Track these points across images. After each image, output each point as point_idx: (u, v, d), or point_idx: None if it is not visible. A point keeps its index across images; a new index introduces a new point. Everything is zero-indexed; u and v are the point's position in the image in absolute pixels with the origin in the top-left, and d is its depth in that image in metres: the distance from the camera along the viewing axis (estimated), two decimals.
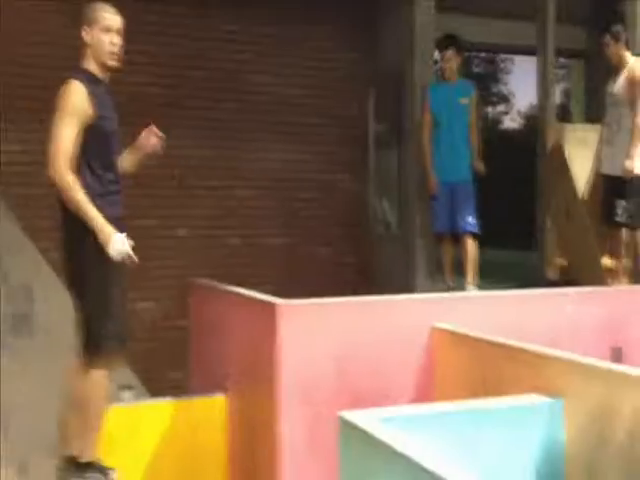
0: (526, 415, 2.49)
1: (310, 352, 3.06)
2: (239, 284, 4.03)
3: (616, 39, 4.82)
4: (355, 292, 5.63)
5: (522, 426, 2.47)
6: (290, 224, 6.81)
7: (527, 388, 2.63)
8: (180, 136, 6.43)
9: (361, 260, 6.99)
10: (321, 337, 3.08)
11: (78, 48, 3.24)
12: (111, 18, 3.17)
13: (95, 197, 3.06)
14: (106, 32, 3.15)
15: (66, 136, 3.00)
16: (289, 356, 3.02)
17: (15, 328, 5.62)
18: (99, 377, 3.07)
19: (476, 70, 25.29)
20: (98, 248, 3.02)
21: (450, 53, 5.45)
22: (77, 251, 3.08)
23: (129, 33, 6.20)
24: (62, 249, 3.21)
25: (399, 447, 1.97)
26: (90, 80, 3.10)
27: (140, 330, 5.58)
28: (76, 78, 3.07)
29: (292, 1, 6.60)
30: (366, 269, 6.96)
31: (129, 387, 5.09)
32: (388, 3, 6.86)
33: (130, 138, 6.31)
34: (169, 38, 6.21)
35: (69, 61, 5.93)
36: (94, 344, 3.07)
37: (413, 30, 6.30)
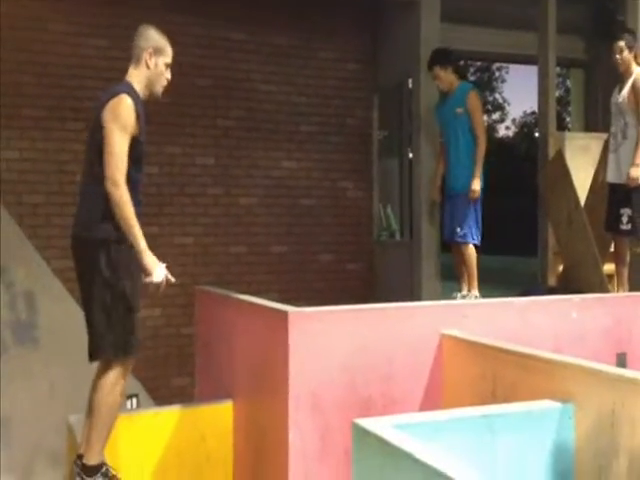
0: (538, 420, 2.52)
1: (320, 359, 3.07)
2: (243, 291, 4.06)
3: (629, 48, 4.86)
4: (358, 299, 5.66)
5: (534, 431, 2.49)
6: (294, 231, 6.85)
7: (537, 394, 2.65)
8: (185, 144, 6.48)
9: (364, 267, 7.03)
10: (331, 344, 3.10)
11: (132, 62, 3.30)
12: (172, 56, 3.34)
13: None
14: (167, 68, 3.31)
15: (122, 151, 3.08)
16: (299, 363, 3.03)
17: (18, 336, 5.62)
18: (112, 384, 3.09)
19: (471, 78, 25.48)
20: (116, 262, 3.11)
21: (436, 69, 5.32)
22: (93, 263, 3.11)
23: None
24: (77, 261, 3.22)
25: (415, 453, 1.98)
26: (137, 99, 3.19)
27: (145, 338, 5.59)
28: (128, 94, 3.14)
29: (298, 11, 6.66)
30: (370, 276, 6.99)
31: (134, 395, 5.09)
32: (393, 13, 6.91)
33: None
34: (175, 46, 6.26)
35: (74, 69, 6.02)
36: (101, 350, 3.11)
37: (418, 39, 6.34)
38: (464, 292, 5.23)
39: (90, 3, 6.05)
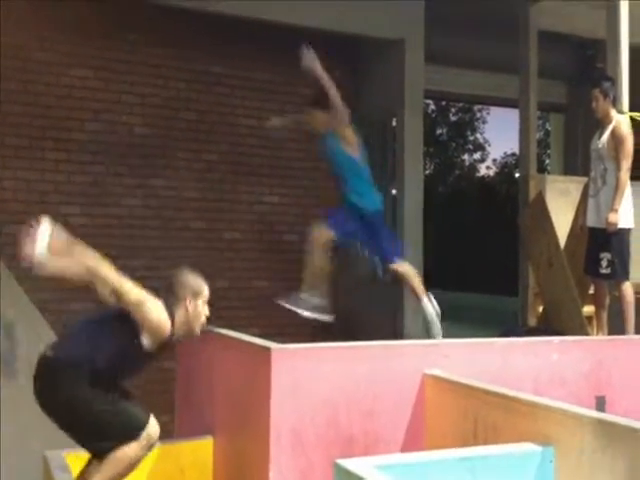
0: (518, 463, 2.53)
1: (302, 396, 3.07)
2: (225, 326, 4.03)
3: (605, 95, 4.96)
4: (340, 336, 5.65)
5: (514, 474, 2.50)
6: (276, 267, 6.85)
7: (518, 436, 2.66)
8: (168, 177, 6.50)
9: (345, 304, 7.03)
10: (314, 382, 3.10)
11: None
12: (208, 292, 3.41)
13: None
14: (205, 304, 3.39)
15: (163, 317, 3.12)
16: (281, 400, 3.03)
17: None
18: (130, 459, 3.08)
19: (453, 118, 25.89)
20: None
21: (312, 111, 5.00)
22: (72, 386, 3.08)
23: (120, 73, 6.33)
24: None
25: None
26: (171, 332, 3.22)
27: None
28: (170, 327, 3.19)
29: (281, 47, 6.75)
30: (351, 313, 6.99)
31: None
32: (377, 52, 7.04)
33: (118, 176, 6.32)
34: (160, 80, 6.33)
35: (56, 99, 6.04)
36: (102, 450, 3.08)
37: (402, 79, 6.47)
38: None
39: (75, 34, 6.11)
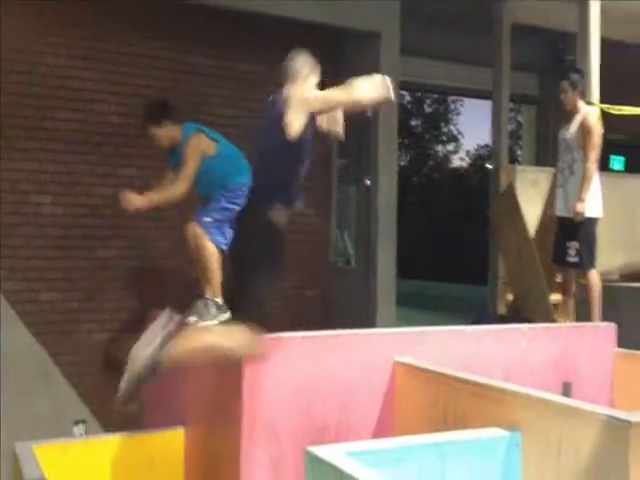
0: (486, 448, 2.58)
1: (274, 386, 3.08)
2: None
3: (573, 87, 5.03)
4: (315, 325, 5.66)
5: (483, 458, 2.55)
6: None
7: (486, 422, 2.71)
8: (141, 166, 6.44)
9: (321, 293, 7.04)
10: (286, 371, 3.12)
11: None
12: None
13: None
14: (314, 79, 3.97)
15: None
16: (253, 390, 3.04)
17: None
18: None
19: (428, 110, 25.99)
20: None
21: (151, 130, 4.26)
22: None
23: (99, 62, 6.22)
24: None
25: None
26: None
27: (93, 362, 5.50)
28: None
29: (261, 38, 6.72)
30: (325, 302, 7.01)
31: (81, 421, 4.98)
32: (354, 44, 7.05)
33: (90, 165, 6.23)
34: (140, 69, 6.27)
35: (49, 90, 5.93)
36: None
37: (377, 71, 6.47)
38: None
39: (68, 25, 6.01)
